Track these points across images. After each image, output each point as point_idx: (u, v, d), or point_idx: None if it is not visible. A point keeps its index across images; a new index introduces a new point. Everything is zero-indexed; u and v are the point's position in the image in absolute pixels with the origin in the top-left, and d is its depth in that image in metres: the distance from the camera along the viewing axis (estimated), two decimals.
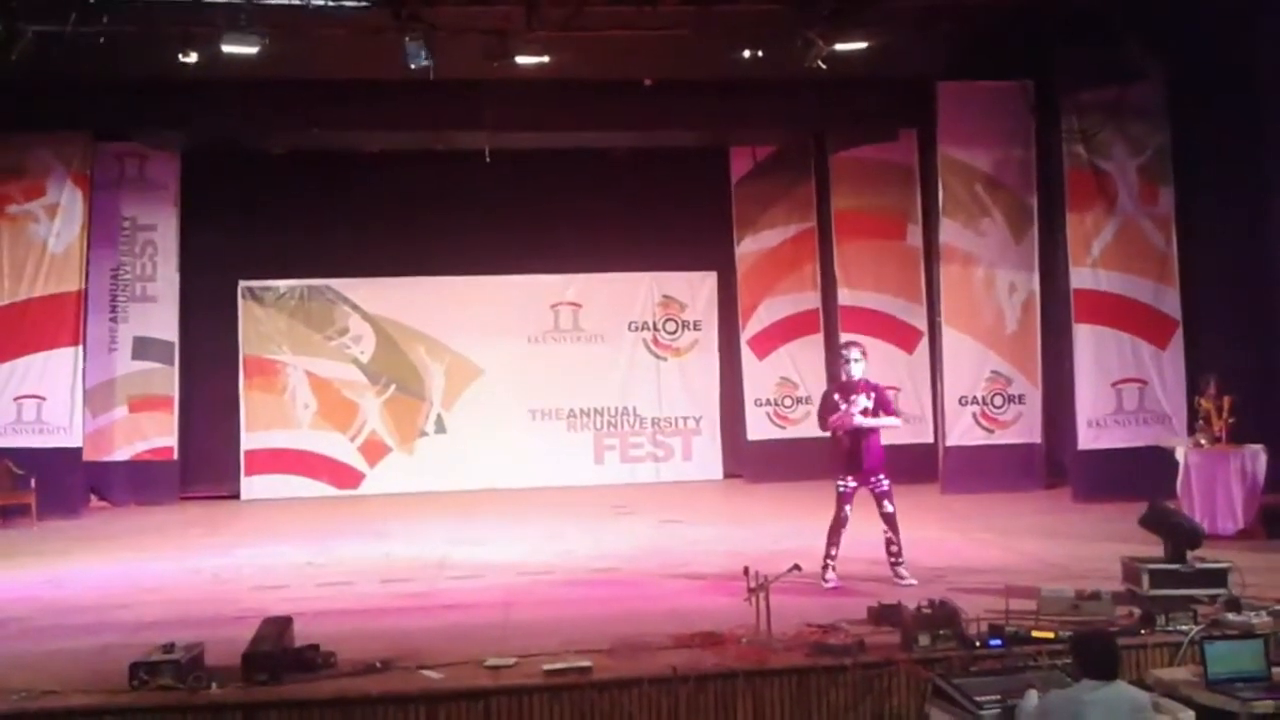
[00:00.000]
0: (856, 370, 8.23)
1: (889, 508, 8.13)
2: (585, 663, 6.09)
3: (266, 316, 14.18)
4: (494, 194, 13.75)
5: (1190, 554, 7.31)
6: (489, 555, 9.80)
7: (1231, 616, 6.57)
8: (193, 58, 10.39)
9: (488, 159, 13.01)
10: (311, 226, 13.90)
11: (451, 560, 9.64)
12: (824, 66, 10.67)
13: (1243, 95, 10.59)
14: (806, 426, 14.19)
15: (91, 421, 13.12)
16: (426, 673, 6.05)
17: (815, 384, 14.29)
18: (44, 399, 12.53)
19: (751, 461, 14.34)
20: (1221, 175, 11.29)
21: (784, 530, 10.07)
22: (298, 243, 14.00)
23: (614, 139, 13.92)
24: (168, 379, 13.61)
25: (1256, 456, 9.69)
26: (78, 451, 12.68)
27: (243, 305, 14.13)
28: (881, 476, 8.20)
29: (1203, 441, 9.91)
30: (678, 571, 8.87)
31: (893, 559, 8.12)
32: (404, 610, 7.79)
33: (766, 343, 14.49)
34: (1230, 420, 9.77)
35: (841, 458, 8.22)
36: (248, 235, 13.93)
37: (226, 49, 10.10)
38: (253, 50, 10.10)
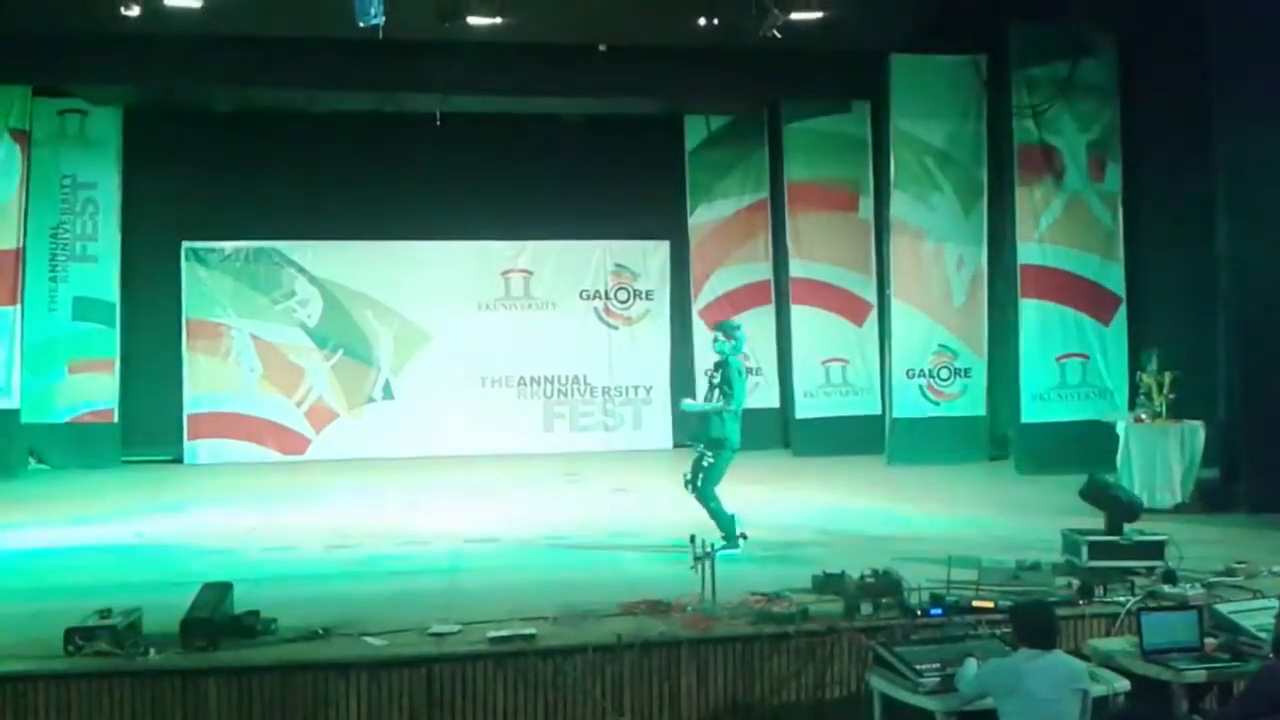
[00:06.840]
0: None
1: None
2: (530, 630, 6.07)
3: (210, 278, 13.91)
4: (445, 158, 13.55)
5: (1128, 527, 7.43)
6: (435, 522, 9.74)
7: (1167, 588, 6.70)
8: (135, 11, 10.07)
9: (439, 123, 12.83)
10: (258, 187, 13.61)
11: (397, 527, 9.56)
12: (779, 36, 10.61)
13: (1191, 73, 10.67)
14: (754, 398, 14.23)
15: (30, 383, 12.85)
16: (369, 640, 6.00)
17: (766, 355, 14.36)
18: None
19: None
20: (1169, 153, 11.41)
21: (730, 500, 10.06)
22: (243, 204, 13.69)
23: (567, 105, 13.77)
24: (108, 340, 13.33)
25: (1195, 432, 9.87)
26: (15, 413, 12.42)
27: (186, 266, 13.80)
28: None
29: (1143, 416, 10.07)
30: (625, 540, 8.89)
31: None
32: (347, 577, 7.72)
33: (718, 313, 14.41)
34: (1171, 396, 9.93)
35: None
36: (192, 195, 13.63)
37: (169, 2, 9.84)
38: (196, 4, 9.86)
